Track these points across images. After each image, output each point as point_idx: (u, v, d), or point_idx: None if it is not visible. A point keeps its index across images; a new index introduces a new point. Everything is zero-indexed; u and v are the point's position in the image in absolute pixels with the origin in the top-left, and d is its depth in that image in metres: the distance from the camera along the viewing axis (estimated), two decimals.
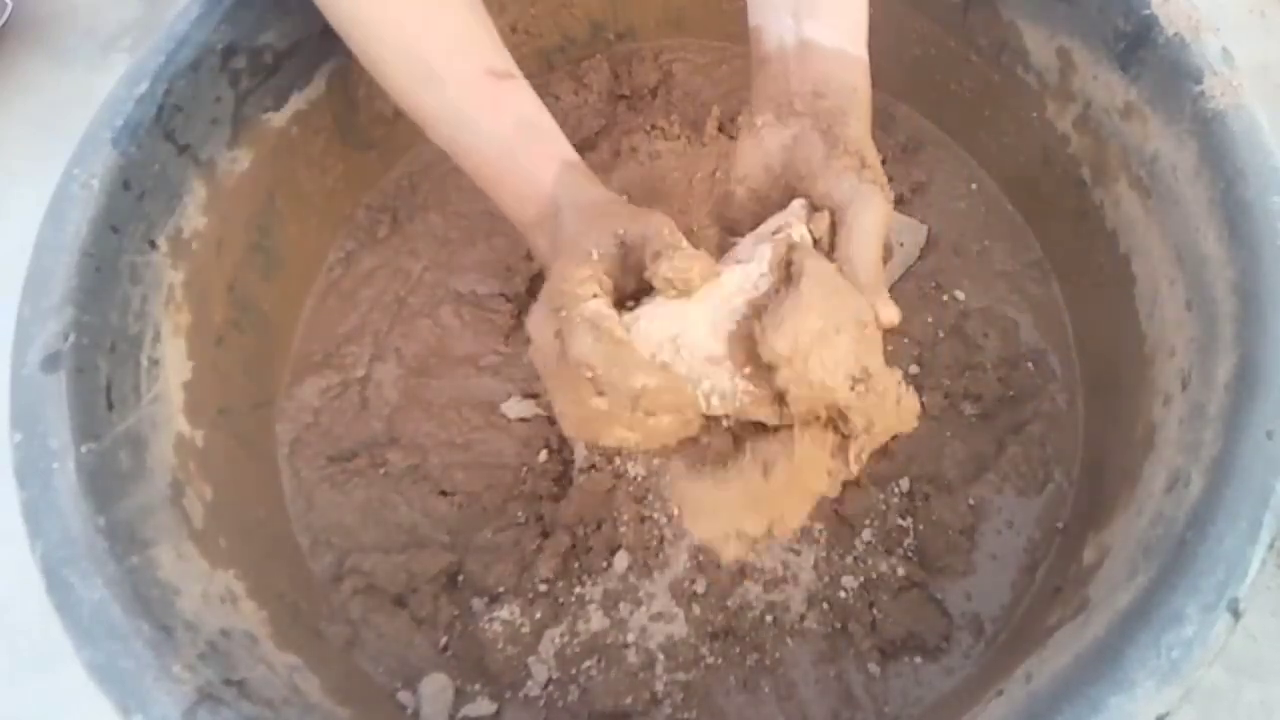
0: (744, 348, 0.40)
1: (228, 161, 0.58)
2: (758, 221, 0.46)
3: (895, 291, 0.64)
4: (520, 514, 0.59)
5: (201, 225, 0.56)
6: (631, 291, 0.43)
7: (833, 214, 0.43)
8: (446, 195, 0.71)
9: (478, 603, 0.57)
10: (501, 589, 0.57)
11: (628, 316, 0.41)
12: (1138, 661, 0.36)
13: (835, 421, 0.40)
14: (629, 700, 0.53)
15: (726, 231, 0.49)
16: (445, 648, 0.57)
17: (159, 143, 0.52)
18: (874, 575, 0.55)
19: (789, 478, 0.40)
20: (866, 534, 0.57)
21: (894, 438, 0.43)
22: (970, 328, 0.62)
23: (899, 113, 0.72)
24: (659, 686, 0.54)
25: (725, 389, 0.40)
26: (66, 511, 0.42)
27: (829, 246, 0.43)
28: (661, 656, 0.55)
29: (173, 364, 0.53)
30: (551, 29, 0.73)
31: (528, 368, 0.64)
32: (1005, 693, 0.43)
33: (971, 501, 0.58)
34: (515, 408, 0.62)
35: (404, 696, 0.55)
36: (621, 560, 0.57)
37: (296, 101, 0.61)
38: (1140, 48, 0.50)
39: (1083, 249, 0.60)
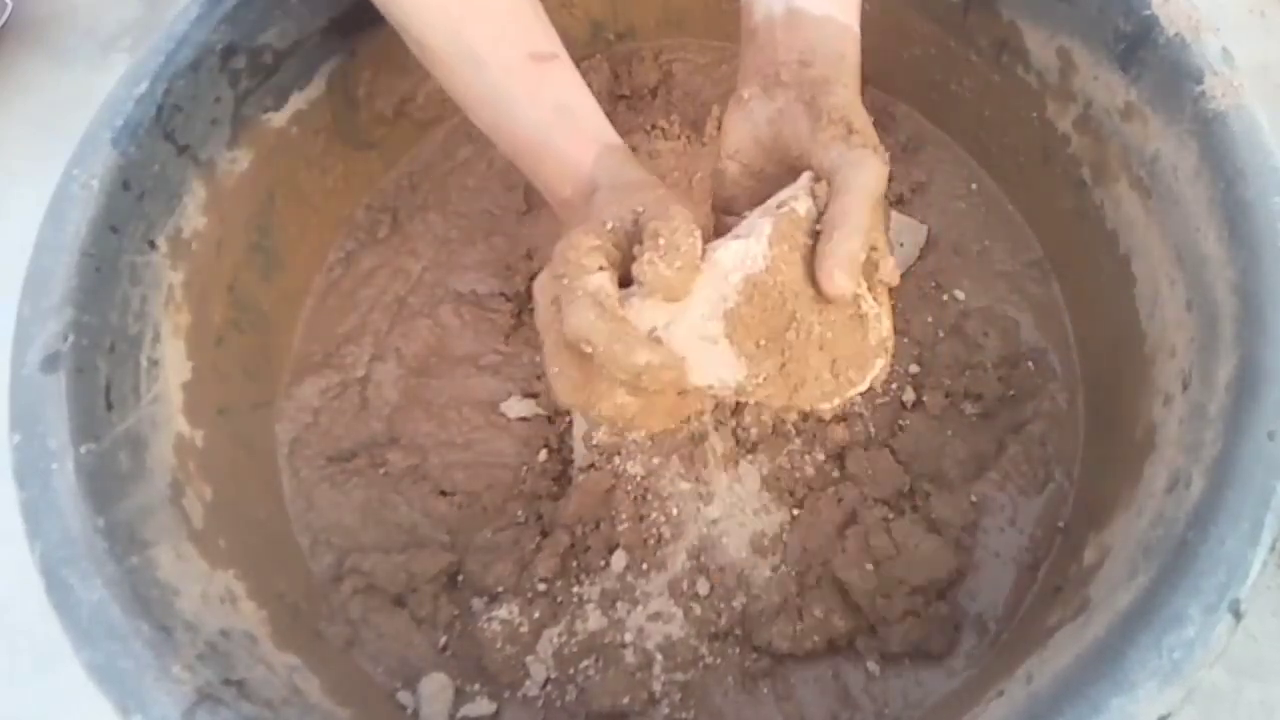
0: (743, 325, 0.39)
1: (227, 161, 0.58)
2: (754, 198, 0.45)
3: (895, 291, 0.63)
4: (520, 514, 0.59)
5: (201, 225, 0.56)
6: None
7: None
8: (446, 195, 0.71)
9: (477, 602, 0.57)
10: (501, 589, 0.57)
11: (624, 292, 0.40)
12: (1139, 662, 0.36)
13: None
14: (627, 700, 0.53)
15: (722, 211, 0.49)
16: (445, 647, 0.57)
17: (159, 143, 0.52)
18: (876, 575, 0.55)
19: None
20: (870, 534, 0.56)
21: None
22: (970, 327, 0.62)
23: (899, 113, 0.72)
24: (657, 686, 0.54)
25: (722, 369, 0.40)
26: (66, 512, 0.42)
27: None
28: (659, 656, 0.55)
29: (172, 364, 0.53)
30: None
31: (528, 367, 0.64)
32: (1006, 693, 0.43)
33: (973, 499, 0.58)
34: (515, 407, 0.62)
35: (404, 696, 0.55)
36: (620, 560, 0.57)
37: (296, 101, 0.61)
38: (1141, 48, 0.50)
39: (1083, 249, 0.60)
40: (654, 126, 0.72)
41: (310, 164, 0.65)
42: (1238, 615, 0.37)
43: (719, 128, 0.71)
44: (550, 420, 0.62)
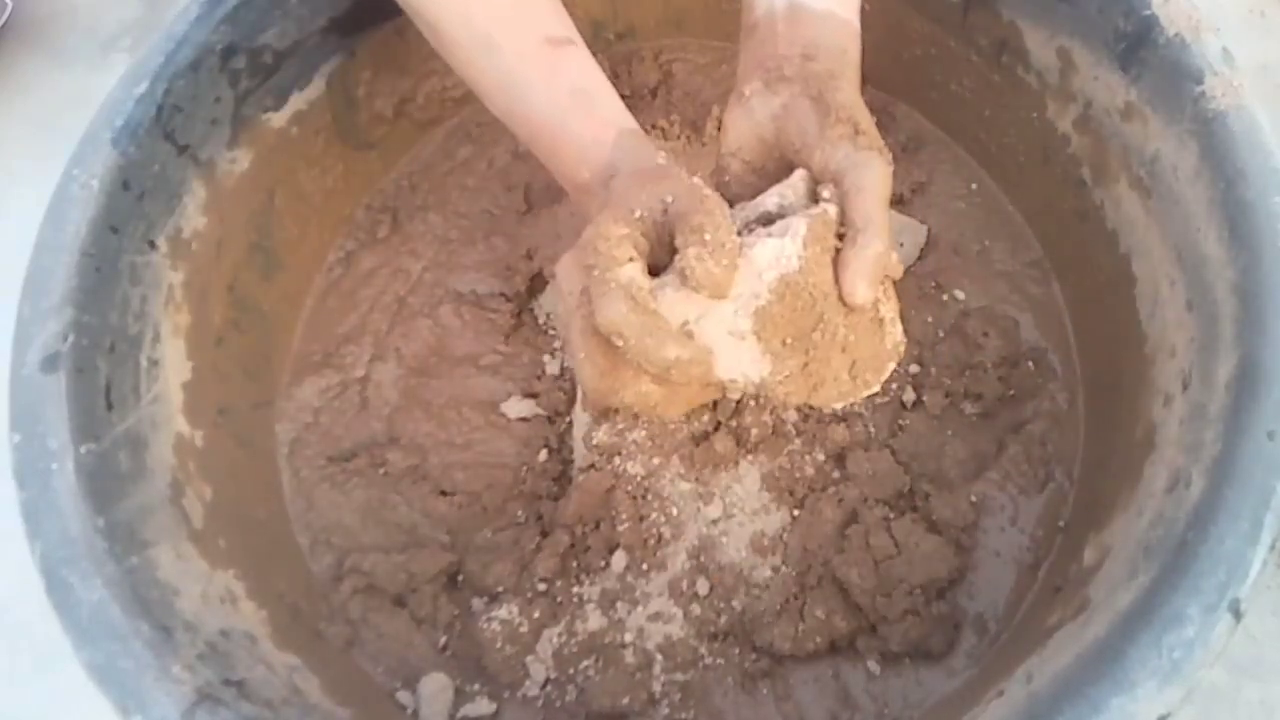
0: (772, 323, 0.39)
1: (227, 161, 0.58)
2: (755, 194, 0.45)
3: (895, 291, 0.64)
4: (520, 514, 0.59)
5: (201, 225, 0.56)
6: (666, 263, 0.42)
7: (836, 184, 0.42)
8: (446, 195, 0.71)
9: (477, 602, 0.57)
10: (501, 589, 0.57)
11: (654, 282, 0.40)
12: (1139, 662, 0.36)
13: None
14: (627, 700, 0.53)
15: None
16: (445, 647, 0.56)
17: (159, 143, 0.52)
18: (876, 574, 0.55)
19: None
20: (870, 534, 0.56)
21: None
22: (970, 327, 0.62)
23: (899, 113, 0.72)
24: (657, 687, 0.54)
25: (747, 365, 0.40)
26: (66, 512, 0.42)
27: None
28: (659, 656, 0.55)
29: (172, 364, 0.53)
30: None
31: (528, 367, 0.64)
32: (1005, 693, 0.43)
33: (973, 499, 0.58)
34: (515, 407, 0.62)
35: (404, 696, 0.55)
36: (619, 560, 0.57)
37: (296, 101, 0.61)
38: (1141, 48, 0.50)
39: (1083, 249, 0.60)
40: (654, 126, 0.72)
41: (310, 164, 0.65)
42: (1238, 615, 0.37)
43: (719, 127, 0.71)
44: (550, 420, 0.62)
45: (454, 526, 0.59)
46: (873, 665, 0.54)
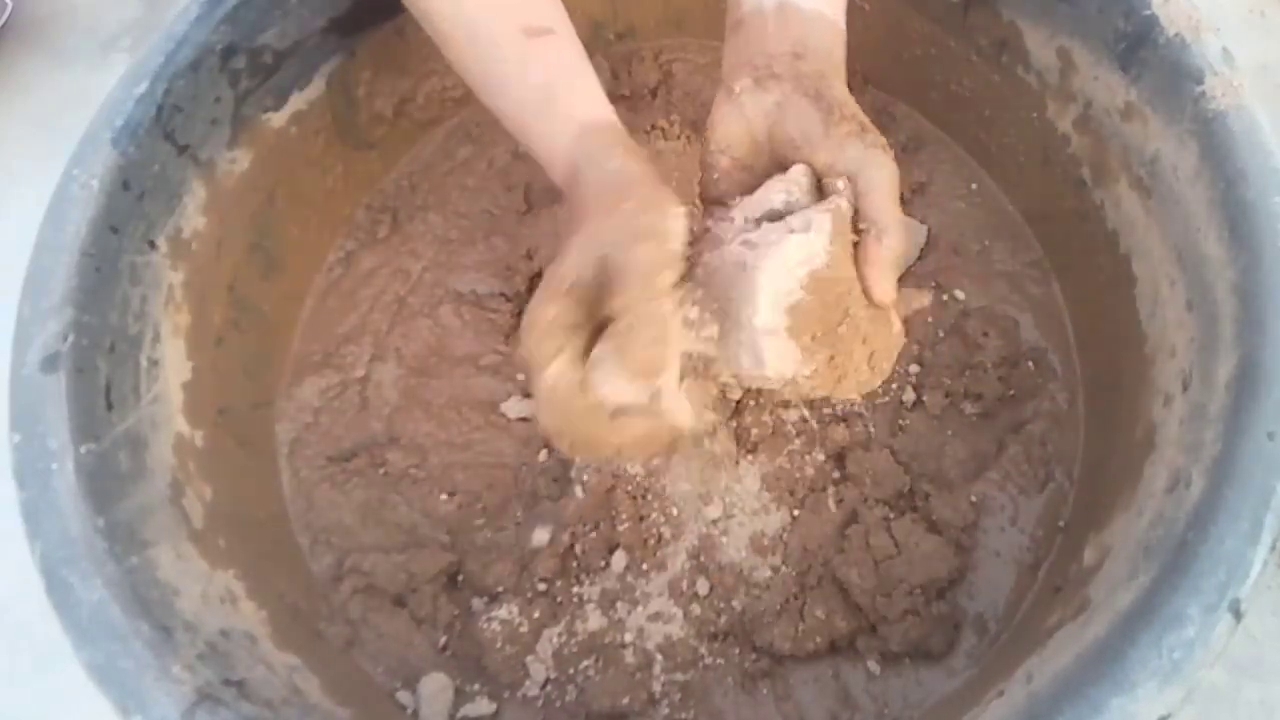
0: (804, 319, 0.40)
1: (227, 162, 0.58)
2: (744, 190, 0.45)
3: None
4: (519, 514, 0.59)
5: (201, 225, 0.56)
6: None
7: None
8: (446, 195, 0.71)
9: (477, 602, 0.57)
10: (500, 589, 0.57)
11: (596, 352, 0.39)
12: (1139, 662, 0.36)
13: None
14: (627, 700, 0.53)
15: (711, 203, 0.48)
16: (445, 647, 0.56)
17: (159, 143, 0.52)
18: (876, 574, 0.55)
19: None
20: (870, 534, 0.56)
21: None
22: (970, 327, 0.62)
23: (899, 113, 0.72)
24: (656, 687, 0.54)
25: (779, 361, 0.40)
26: (66, 512, 0.42)
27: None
28: (659, 656, 0.55)
29: (172, 364, 0.53)
30: None
31: None
32: (1006, 693, 0.43)
33: (973, 499, 0.58)
34: (515, 407, 0.62)
35: (404, 696, 0.55)
36: (619, 560, 0.57)
37: (296, 101, 0.61)
38: (1141, 48, 0.50)
39: (1083, 249, 0.60)
40: (654, 126, 0.72)
41: (310, 164, 0.65)
42: (1238, 615, 0.37)
43: None
44: None
45: (454, 526, 0.59)
46: (873, 665, 0.54)
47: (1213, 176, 0.46)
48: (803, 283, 0.40)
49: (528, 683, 0.55)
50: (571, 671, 0.55)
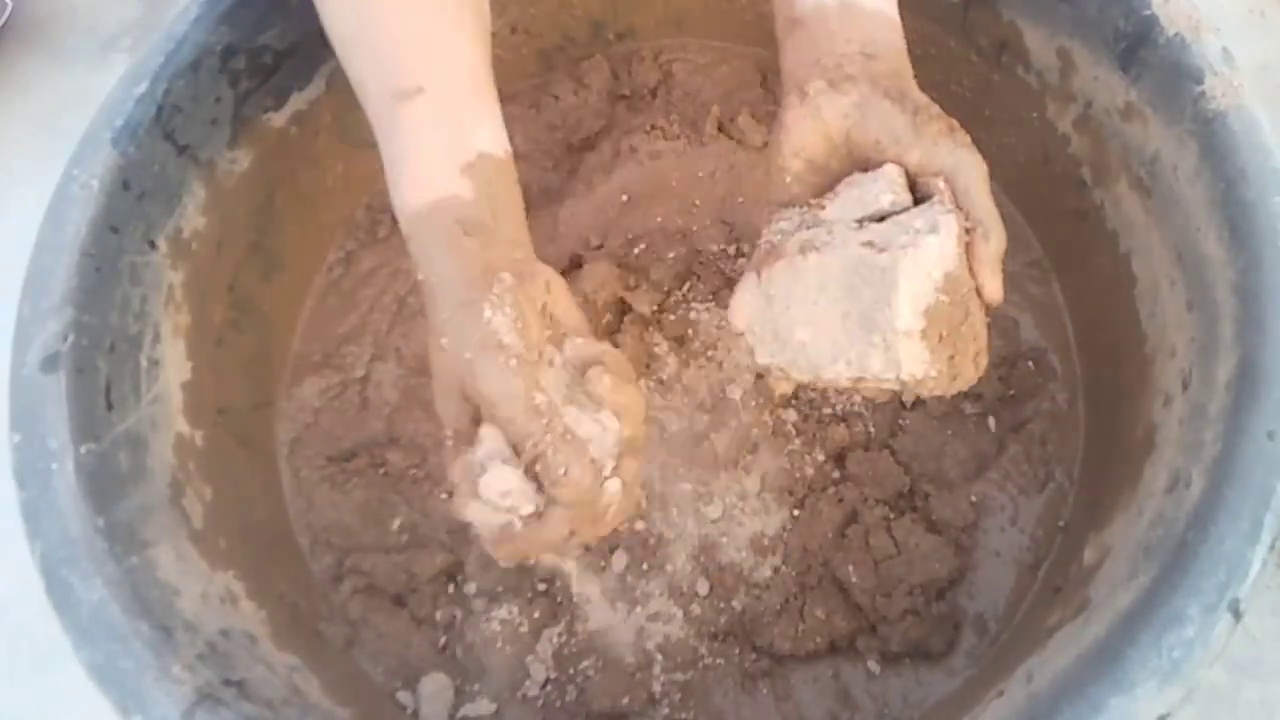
0: (938, 320, 0.40)
1: (227, 162, 0.58)
2: (814, 191, 0.45)
3: None
4: None
5: (201, 225, 0.56)
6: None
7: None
8: None
9: (477, 602, 0.57)
10: (500, 588, 0.57)
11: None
12: (1139, 662, 0.36)
13: None
14: (627, 700, 0.53)
15: (780, 204, 0.47)
16: (445, 647, 0.56)
17: (159, 143, 0.52)
18: (876, 574, 0.55)
19: None
20: (870, 534, 0.57)
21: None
22: None
23: None
24: (656, 687, 0.54)
25: (911, 364, 0.40)
26: (66, 512, 0.42)
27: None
28: (659, 656, 0.55)
29: (172, 364, 0.53)
30: (551, 29, 0.73)
31: None
32: (1006, 693, 0.43)
33: (973, 499, 0.58)
34: None
35: (404, 696, 0.55)
36: (619, 560, 0.57)
37: (296, 101, 0.61)
38: (1141, 48, 0.50)
39: (1083, 249, 0.60)
40: (654, 126, 0.72)
41: (310, 164, 0.65)
42: (1237, 615, 0.37)
43: (719, 128, 0.71)
44: None
45: (454, 526, 0.59)
46: (873, 665, 0.54)
47: (1213, 176, 0.46)
48: (939, 285, 0.40)
49: (528, 683, 0.55)
50: (571, 671, 0.55)
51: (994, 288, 0.42)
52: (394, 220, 0.69)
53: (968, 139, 0.43)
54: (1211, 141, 0.46)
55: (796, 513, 0.58)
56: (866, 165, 0.44)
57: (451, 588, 0.58)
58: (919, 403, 0.60)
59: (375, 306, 0.67)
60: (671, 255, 0.65)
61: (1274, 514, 0.38)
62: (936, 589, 0.55)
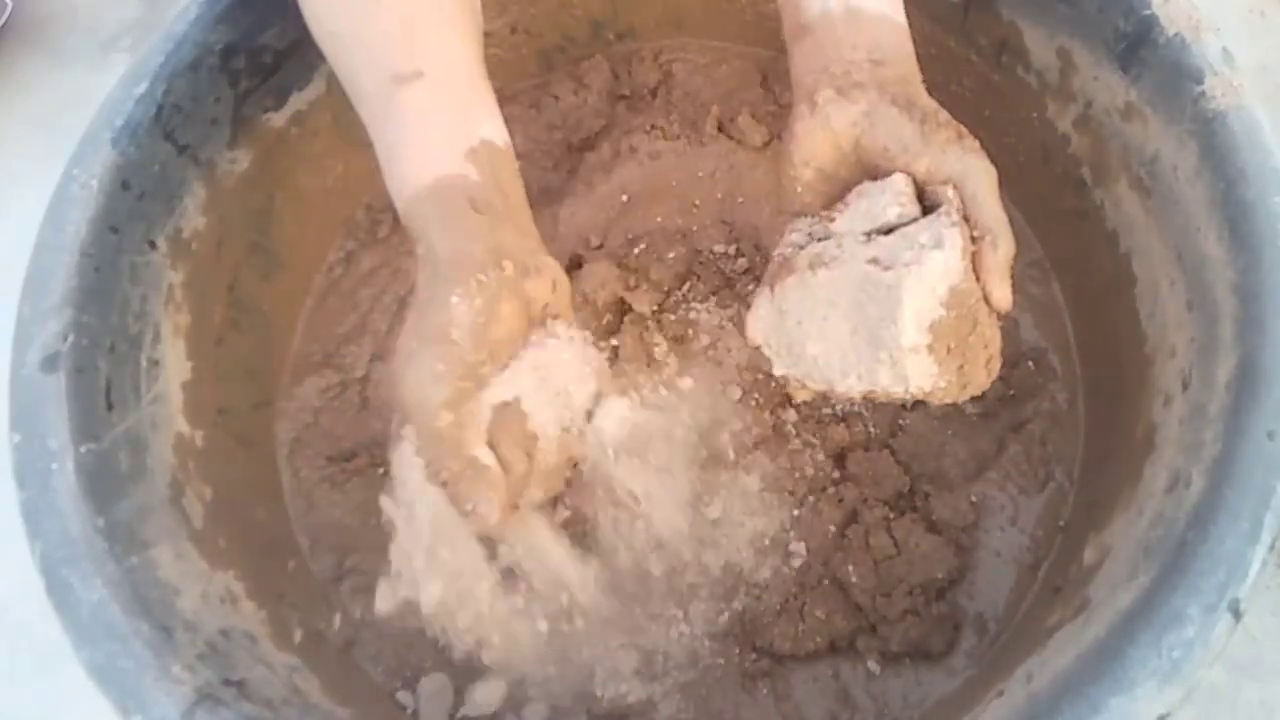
0: (944, 334, 0.40)
1: (227, 162, 0.58)
2: (826, 200, 0.45)
3: None
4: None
5: (201, 225, 0.56)
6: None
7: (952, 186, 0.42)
8: None
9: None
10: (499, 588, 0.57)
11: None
12: (1139, 662, 0.36)
13: None
14: (627, 700, 0.53)
15: (793, 214, 0.47)
16: (444, 648, 0.56)
17: (158, 143, 0.52)
18: (876, 574, 0.55)
19: None
20: (870, 534, 0.56)
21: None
22: None
23: None
24: (656, 687, 0.54)
25: (919, 378, 0.41)
26: (66, 512, 0.42)
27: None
28: (659, 656, 0.55)
29: (172, 364, 0.53)
30: (551, 29, 0.73)
31: None
32: (1006, 693, 0.43)
33: (973, 499, 0.58)
34: None
35: (404, 696, 0.55)
36: (619, 560, 0.57)
37: (296, 101, 0.61)
38: (1141, 48, 0.50)
39: (1083, 249, 0.60)
40: (654, 126, 0.72)
41: (310, 164, 0.65)
42: (1237, 615, 0.37)
43: (719, 128, 0.71)
44: None
45: None
46: (873, 665, 0.54)
47: (1213, 176, 0.46)
48: (943, 299, 0.40)
49: (528, 682, 0.55)
50: (572, 671, 0.55)
51: (1002, 295, 0.42)
52: (394, 220, 0.69)
53: (976, 145, 0.43)
54: (1211, 141, 0.46)
55: (796, 513, 0.58)
56: (876, 173, 0.44)
57: None
58: (919, 403, 0.60)
59: (375, 306, 0.67)
60: (671, 255, 0.65)
61: (1274, 514, 0.38)
62: (936, 589, 0.55)
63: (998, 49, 0.61)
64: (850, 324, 0.42)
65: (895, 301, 0.40)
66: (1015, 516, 0.58)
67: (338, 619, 0.57)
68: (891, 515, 0.57)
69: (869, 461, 0.58)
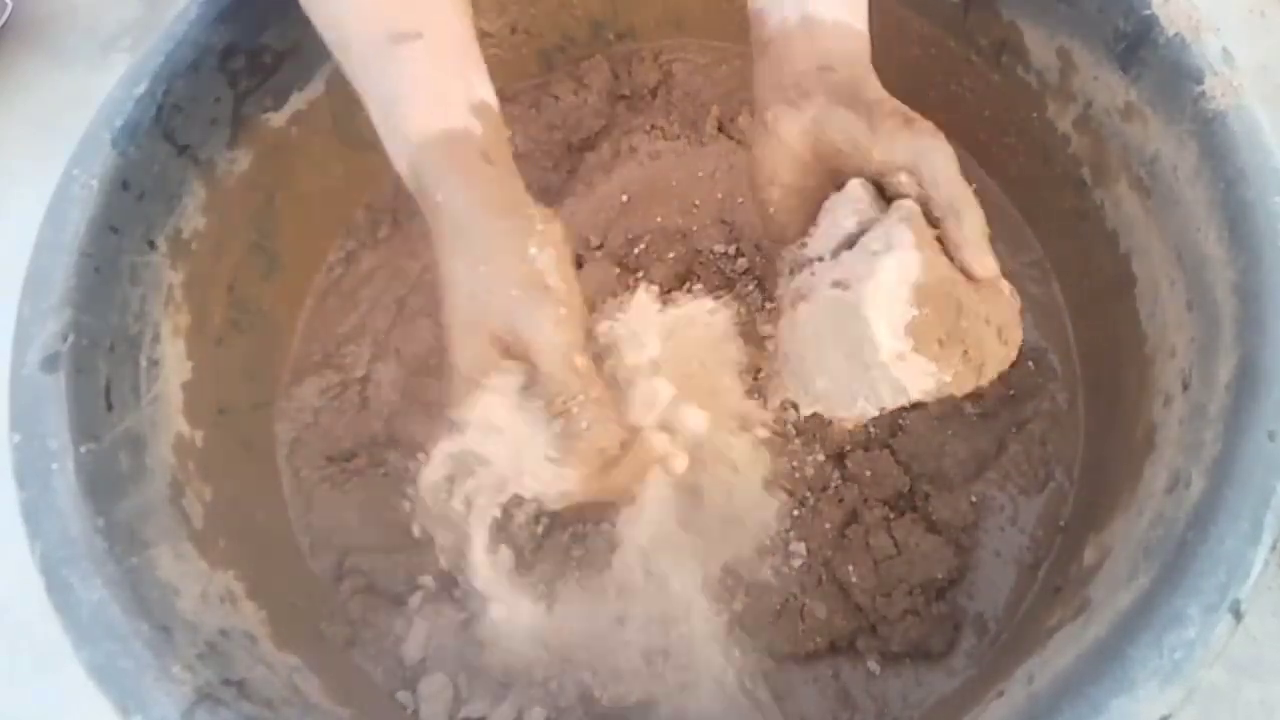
0: (925, 331, 0.39)
1: (227, 162, 0.58)
2: (803, 218, 0.45)
3: None
4: (520, 514, 0.59)
5: (201, 225, 0.56)
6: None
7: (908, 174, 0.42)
8: None
9: (477, 602, 0.57)
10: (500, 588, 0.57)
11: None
12: (1139, 662, 0.36)
13: None
14: (627, 700, 0.53)
15: (777, 242, 0.47)
16: (445, 647, 0.56)
17: (158, 143, 0.52)
18: (876, 574, 0.55)
19: None
20: (870, 534, 0.56)
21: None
22: None
23: None
24: (657, 687, 0.54)
25: (920, 379, 0.40)
26: (66, 512, 0.42)
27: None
28: (660, 656, 0.55)
29: (172, 364, 0.53)
30: (551, 29, 0.73)
31: None
32: (1006, 694, 0.43)
33: (973, 499, 0.58)
34: None
35: (404, 696, 0.55)
36: (620, 560, 0.57)
37: (296, 101, 0.61)
38: (1141, 48, 0.50)
39: (1083, 249, 0.60)
40: (654, 126, 0.72)
41: (310, 164, 0.65)
42: (1238, 615, 0.37)
43: (719, 128, 0.71)
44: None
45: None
46: (873, 665, 0.54)
47: (1213, 176, 0.46)
48: (910, 299, 0.39)
49: (528, 682, 0.55)
50: (572, 671, 0.55)
51: (983, 265, 0.41)
52: (394, 220, 0.70)
53: (928, 125, 0.42)
54: (1211, 141, 0.46)
55: (796, 513, 0.57)
56: (840, 179, 0.44)
57: (452, 588, 0.58)
58: (919, 403, 0.60)
59: (375, 306, 0.67)
60: (671, 255, 0.65)
61: (1274, 514, 0.38)
62: (936, 589, 0.55)
63: (998, 49, 0.61)
64: (841, 351, 0.41)
65: (862, 321, 0.39)
66: (1015, 516, 0.58)
67: (338, 619, 0.57)
68: (891, 515, 0.57)
69: (869, 461, 0.58)
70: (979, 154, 0.69)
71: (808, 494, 0.58)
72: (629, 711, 0.54)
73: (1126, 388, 0.54)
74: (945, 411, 0.60)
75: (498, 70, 0.47)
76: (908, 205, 0.41)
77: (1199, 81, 0.47)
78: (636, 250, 0.66)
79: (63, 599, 0.41)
